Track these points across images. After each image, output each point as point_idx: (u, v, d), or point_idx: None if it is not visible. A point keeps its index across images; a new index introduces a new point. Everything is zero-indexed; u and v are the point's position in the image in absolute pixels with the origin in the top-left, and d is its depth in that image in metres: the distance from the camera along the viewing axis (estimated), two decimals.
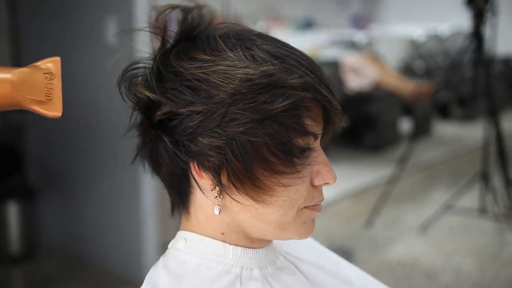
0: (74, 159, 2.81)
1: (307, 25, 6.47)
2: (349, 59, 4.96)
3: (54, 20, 2.73)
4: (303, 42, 5.30)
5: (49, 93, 0.62)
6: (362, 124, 4.87)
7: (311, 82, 0.64)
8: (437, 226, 3.29)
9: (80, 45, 2.61)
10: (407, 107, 5.29)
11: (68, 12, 2.66)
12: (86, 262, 2.81)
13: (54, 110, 0.63)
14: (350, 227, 3.35)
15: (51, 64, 0.64)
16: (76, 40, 2.64)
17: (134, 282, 2.59)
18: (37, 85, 0.62)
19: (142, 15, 2.38)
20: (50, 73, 0.63)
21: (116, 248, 2.69)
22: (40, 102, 0.62)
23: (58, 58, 0.65)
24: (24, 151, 3.01)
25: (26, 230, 2.83)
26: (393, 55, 6.11)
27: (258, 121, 0.61)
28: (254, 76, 0.62)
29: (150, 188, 2.49)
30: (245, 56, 0.64)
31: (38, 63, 0.64)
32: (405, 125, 5.58)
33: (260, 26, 5.34)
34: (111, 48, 2.44)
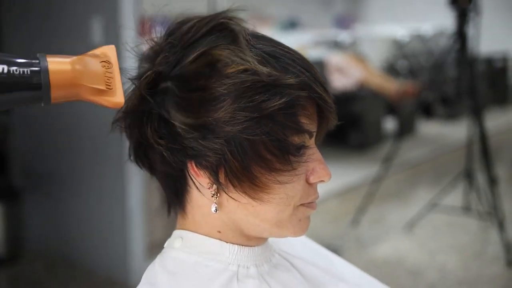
0: (60, 160, 2.79)
1: (291, 25, 6.48)
2: (334, 59, 4.98)
3: (39, 20, 2.71)
4: (288, 42, 5.29)
5: (109, 82, 0.59)
6: (347, 124, 4.89)
7: (306, 81, 0.64)
8: (422, 225, 3.32)
9: (66, 45, 2.59)
10: (391, 107, 5.33)
11: (53, 12, 2.64)
12: (73, 263, 2.79)
13: (115, 99, 0.59)
14: (336, 226, 3.36)
15: (107, 52, 0.62)
16: (62, 40, 2.62)
17: (121, 283, 2.58)
18: (96, 74, 0.59)
19: (128, 15, 2.38)
20: (108, 61, 0.61)
21: (103, 249, 2.68)
22: (100, 92, 0.59)
23: (113, 46, 0.63)
24: (9, 152, 2.98)
25: (11, 232, 2.80)
26: (377, 55, 6.15)
27: (256, 119, 0.62)
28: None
29: (136, 189, 2.49)
30: None
31: (93, 51, 0.61)
32: (390, 124, 5.62)
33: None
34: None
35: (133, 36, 2.38)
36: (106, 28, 2.43)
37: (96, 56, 0.61)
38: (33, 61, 0.55)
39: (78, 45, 2.53)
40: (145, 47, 0.70)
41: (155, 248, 2.53)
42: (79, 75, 0.57)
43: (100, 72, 0.59)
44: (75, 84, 0.57)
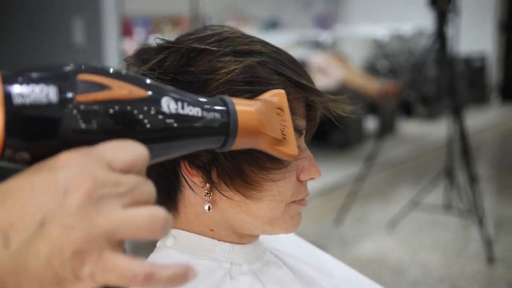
0: None
1: (272, 25, 6.50)
2: (316, 59, 5.00)
3: (21, 20, 2.69)
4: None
5: (284, 131, 0.54)
6: (328, 123, 4.90)
7: (296, 80, 0.66)
8: (404, 223, 3.35)
9: (48, 46, 2.57)
10: (372, 106, 5.37)
11: (35, 13, 2.63)
12: None
13: (290, 151, 0.55)
14: (320, 225, 3.38)
15: (278, 98, 0.56)
16: (44, 40, 2.60)
17: None
18: (274, 122, 0.53)
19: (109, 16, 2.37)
20: (281, 108, 0.55)
21: None
22: (277, 142, 0.53)
23: (283, 91, 0.57)
24: None
25: None
26: (358, 55, 6.19)
27: None
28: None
29: None
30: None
31: (267, 96, 0.56)
32: (370, 124, 5.66)
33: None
34: (79, 49, 2.42)
35: (114, 37, 2.38)
36: (87, 29, 2.42)
37: (270, 102, 0.55)
38: (216, 100, 0.48)
39: (60, 46, 2.52)
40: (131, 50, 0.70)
41: (137, 249, 2.53)
42: (263, 122, 0.51)
43: (277, 120, 0.54)
44: (258, 132, 0.50)
